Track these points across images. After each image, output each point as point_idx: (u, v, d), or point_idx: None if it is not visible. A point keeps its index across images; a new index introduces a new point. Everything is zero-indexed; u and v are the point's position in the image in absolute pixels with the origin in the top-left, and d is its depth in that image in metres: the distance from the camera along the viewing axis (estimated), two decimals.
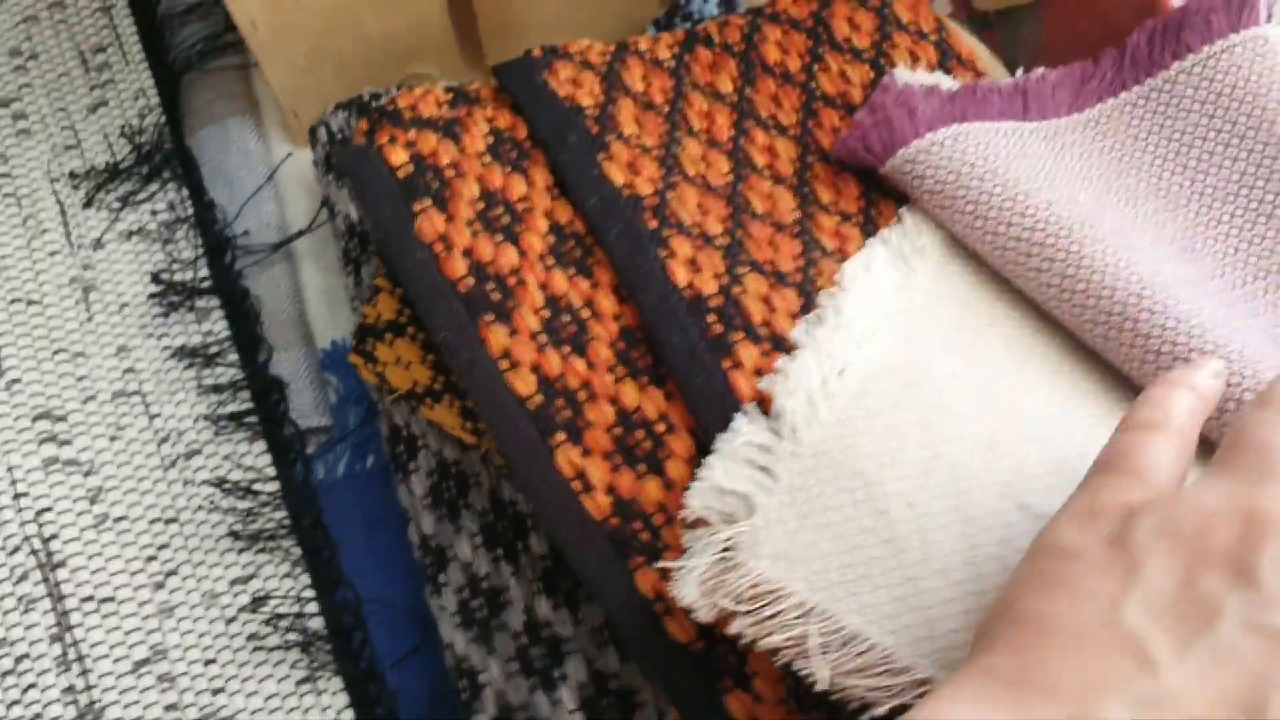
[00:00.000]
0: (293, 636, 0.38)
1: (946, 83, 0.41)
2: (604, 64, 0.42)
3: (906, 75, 0.42)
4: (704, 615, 0.31)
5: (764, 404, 0.34)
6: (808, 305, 0.36)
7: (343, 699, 0.38)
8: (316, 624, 0.40)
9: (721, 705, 0.32)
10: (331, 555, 0.39)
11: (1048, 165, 0.39)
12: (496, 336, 0.36)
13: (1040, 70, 0.41)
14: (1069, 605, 0.24)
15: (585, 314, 0.36)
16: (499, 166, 0.38)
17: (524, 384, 0.35)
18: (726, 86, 0.43)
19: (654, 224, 0.37)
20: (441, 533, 0.39)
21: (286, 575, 0.40)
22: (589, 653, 0.37)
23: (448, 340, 0.35)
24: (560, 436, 0.35)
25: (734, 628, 0.31)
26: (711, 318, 0.36)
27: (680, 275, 0.36)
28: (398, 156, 0.37)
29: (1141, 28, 0.40)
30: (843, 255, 0.39)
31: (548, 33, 0.44)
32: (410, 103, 0.39)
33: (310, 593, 0.40)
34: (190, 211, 0.44)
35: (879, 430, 0.34)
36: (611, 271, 0.37)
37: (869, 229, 0.40)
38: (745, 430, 0.33)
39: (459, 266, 0.36)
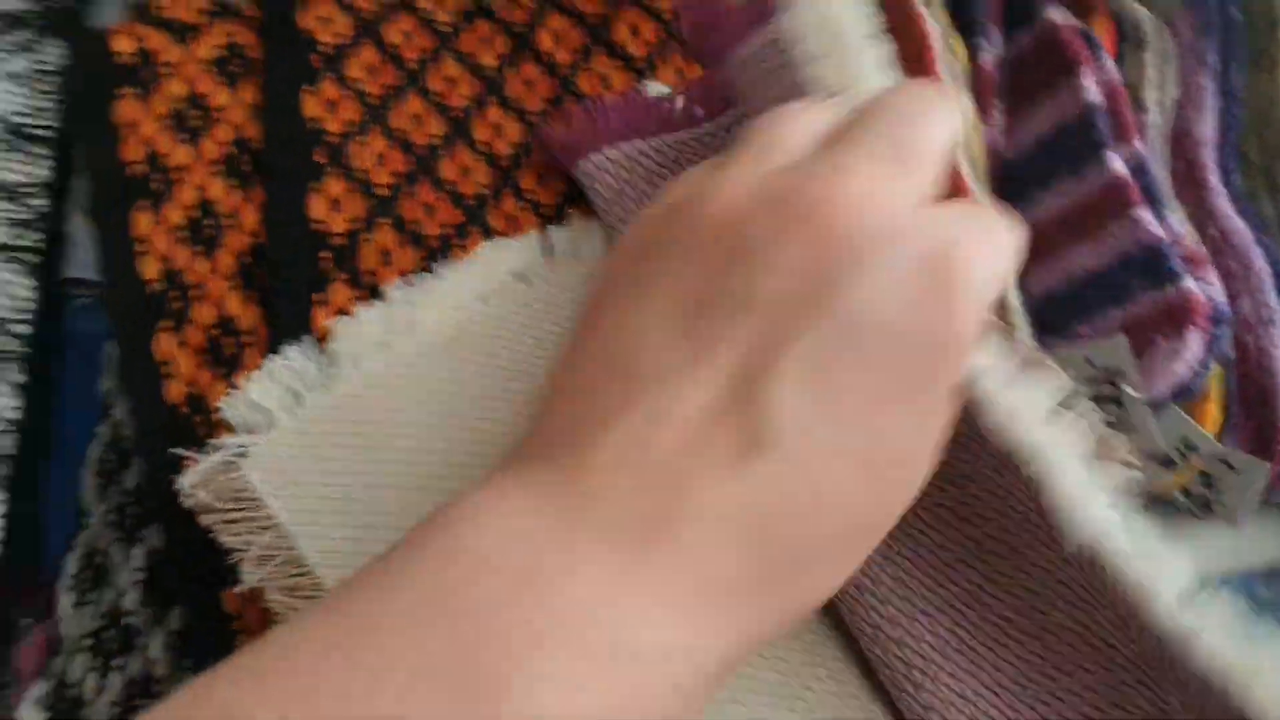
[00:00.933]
0: None
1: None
2: (372, 12, 0.44)
3: (658, 88, 0.43)
4: (188, 503, 0.33)
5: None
6: (429, 270, 0.38)
7: None
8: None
9: None
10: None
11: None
12: (142, 221, 0.39)
13: None
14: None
15: (228, 222, 0.39)
16: (214, 75, 0.41)
17: (150, 269, 0.38)
18: (488, 60, 0.45)
19: (321, 159, 0.40)
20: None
21: None
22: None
23: (97, 215, 0.39)
24: (166, 323, 0.38)
25: (204, 519, 0.33)
26: (325, 254, 0.38)
27: (317, 209, 0.39)
28: (122, 45, 0.41)
29: None
30: (504, 237, 0.40)
31: None
32: (168, 2, 0.42)
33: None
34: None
35: (415, 390, 0.35)
36: (264, 192, 0.39)
37: (553, 223, 0.41)
38: (293, 356, 0.35)
39: (136, 152, 0.39)
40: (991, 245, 0.22)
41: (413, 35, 0.44)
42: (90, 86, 0.40)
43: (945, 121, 0.23)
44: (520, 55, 0.45)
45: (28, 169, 0.49)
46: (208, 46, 0.42)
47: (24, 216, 0.48)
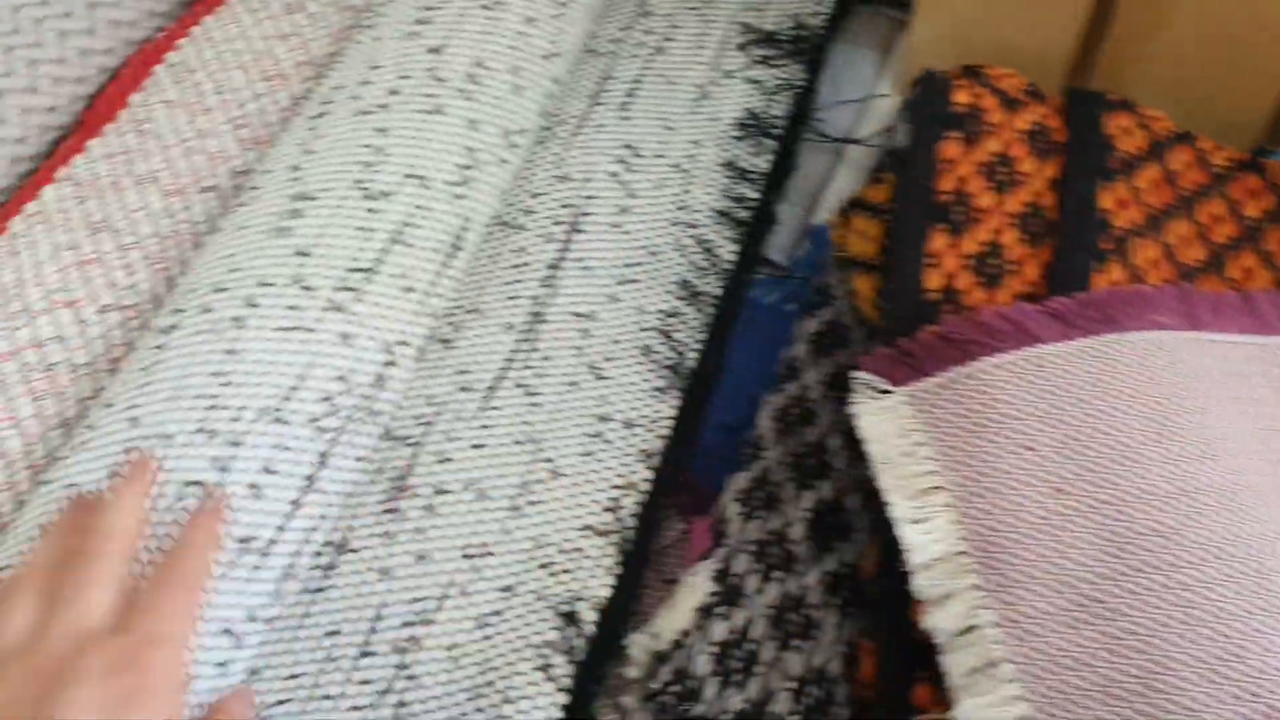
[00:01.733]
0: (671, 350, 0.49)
1: None
2: (1164, 133, 0.48)
3: None
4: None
5: None
6: None
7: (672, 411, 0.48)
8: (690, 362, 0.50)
9: None
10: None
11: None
12: (939, 241, 0.44)
13: None
14: None
15: (1011, 268, 0.44)
16: (1025, 143, 0.47)
17: (933, 280, 0.44)
18: (1252, 212, 0.47)
19: (1106, 246, 0.44)
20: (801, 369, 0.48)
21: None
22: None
23: (900, 226, 0.45)
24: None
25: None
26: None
27: (1096, 285, 0.42)
28: (960, 96, 0.47)
29: None
30: None
31: (1160, 87, 0.50)
32: (999, 74, 0.49)
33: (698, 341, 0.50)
34: (798, 83, 0.57)
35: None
36: (1052, 255, 0.44)
37: None
38: None
39: (948, 183, 0.45)
40: None
41: (1191, 167, 0.48)
42: (926, 121, 0.47)
43: None
44: None
45: (753, 158, 0.56)
46: (1024, 120, 0.47)
47: (743, 193, 0.55)
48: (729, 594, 0.41)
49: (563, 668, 0.39)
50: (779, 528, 0.42)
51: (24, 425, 0.42)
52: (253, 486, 0.40)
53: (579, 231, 0.51)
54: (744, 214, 0.50)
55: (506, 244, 0.51)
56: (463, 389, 0.47)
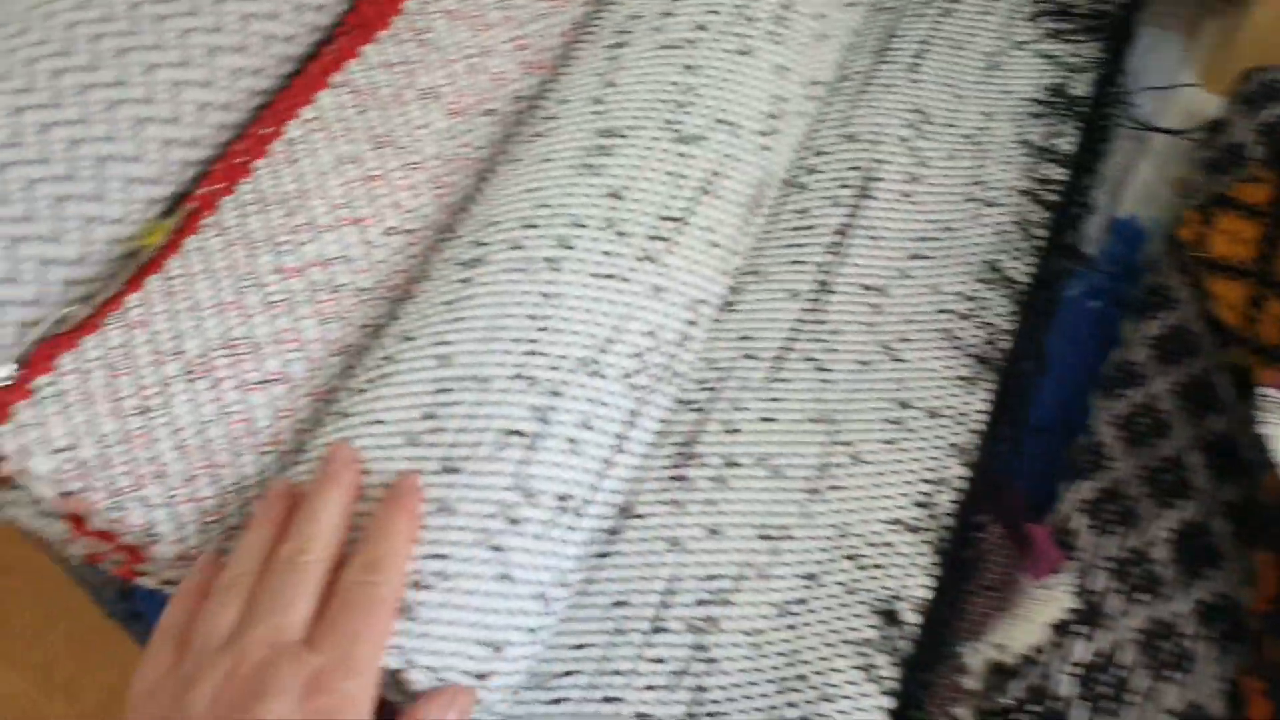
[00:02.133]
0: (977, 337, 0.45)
1: None
2: None
3: None
4: None
5: None
6: None
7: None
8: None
9: None
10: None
11: None
12: None
13: None
14: None
15: None
16: None
17: None
18: None
19: None
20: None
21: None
22: None
23: None
24: None
25: None
26: None
27: None
28: None
29: None
30: None
31: None
32: None
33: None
34: (1102, 62, 0.53)
35: None
36: None
37: None
38: None
39: None
40: None
41: None
42: None
43: None
44: None
45: (1054, 138, 0.50)
46: None
47: (1049, 174, 0.50)
48: (1089, 613, 0.38)
49: (886, 669, 0.37)
50: (1139, 546, 0.39)
51: (309, 349, 0.39)
52: (571, 441, 0.37)
53: (868, 197, 0.48)
54: (1053, 197, 0.47)
55: (787, 203, 0.47)
56: (746, 356, 0.44)
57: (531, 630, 0.35)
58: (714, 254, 0.42)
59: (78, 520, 0.36)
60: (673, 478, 0.41)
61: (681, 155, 0.42)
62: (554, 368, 0.37)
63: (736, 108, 0.44)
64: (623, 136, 0.42)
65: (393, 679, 0.33)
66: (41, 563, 0.83)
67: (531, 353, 0.37)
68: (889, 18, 0.53)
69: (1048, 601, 0.36)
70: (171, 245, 0.40)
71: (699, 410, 0.43)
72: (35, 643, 0.80)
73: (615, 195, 0.41)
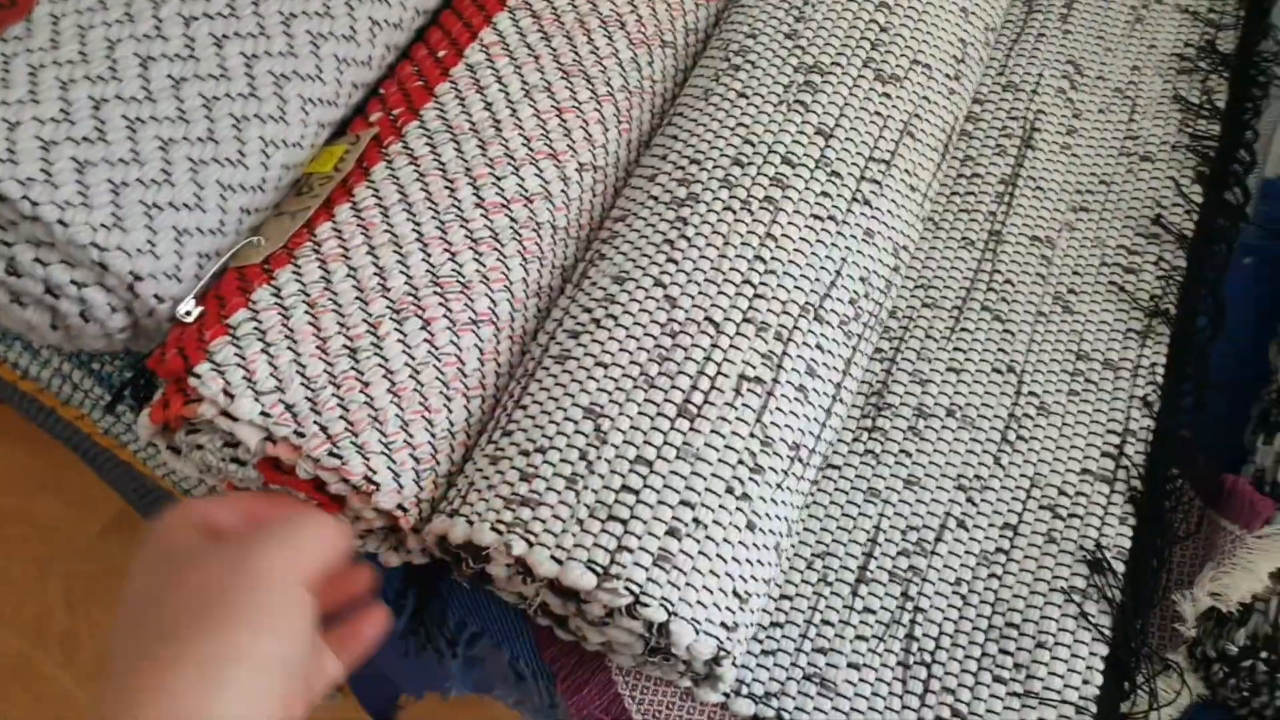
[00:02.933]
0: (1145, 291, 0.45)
1: None
2: None
3: None
4: None
5: None
6: None
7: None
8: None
9: None
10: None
11: None
12: None
13: None
14: None
15: None
16: None
17: None
18: None
19: None
20: None
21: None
22: None
23: None
24: None
25: None
26: None
27: None
28: None
29: None
30: None
31: None
32: None
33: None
34: (1243, 17, 0.52)
35: None
36: None
37: None
38: None
39: None
40: None
41: None
42: None
43: None
44: None
45: (1205, 94, 0.50)
46: None
47: (1204, 129, 0.48)
48: None
49: (1098, 617, 0.37)
50: None
51: (514, 289, 0.37)
52: (800, 389, 0.36)
53: (1030, 148, 0.47)
54: (1209, 152, 0.47)
55: (953, 151, 0.47)
56: (926, 305, 0.43)
57: (766, 581, 0.34)
58: (913, 198, 0.41)
59: (273, 467, 0.34)
60: (864, 428, 0.41)
61: (885, 95, 0.41)
62: (783, 312, 0.36)
63: (929, 49, 0.43)
64: (825, 74, 0.41)
65: (656, 631, 0.32)
66: (39, 511, 0.79)
67: (758, 296, 0.36)
68: None
69: (1269, 551, 0.37)
70: (357, 174, 0.37)
71: (886, 360, 0.42)
72: (28, 598, 0.77)
73: (824, 134, 0.39)
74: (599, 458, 0.33)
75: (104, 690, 0.27)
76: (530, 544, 0.32)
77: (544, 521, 0.32)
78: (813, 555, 0.39)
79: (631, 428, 0.34)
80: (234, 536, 0.30)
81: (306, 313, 0.34)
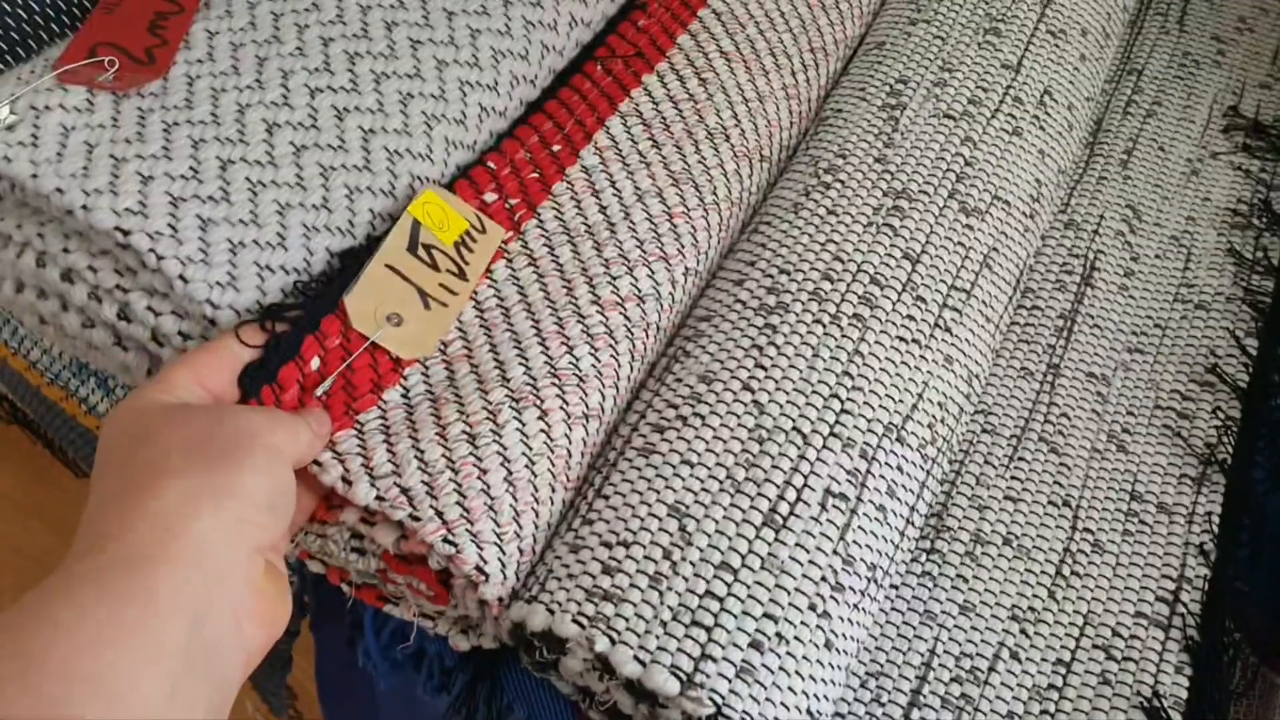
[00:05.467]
0: (1200, 438, 0.47)
1: None
2: None
3: None
4: None
5: None
6: None
7: None
8: None
9: None
10: None
11: None
12: None
13: None
14: None
15: None
16: None
17: None
18: None
19: None
20: None
21: None
22: None
23: None
24: None
25: None
26: None
27: None
28: None
29: None
30: None
31: None
32: None
33: None
34: None
35: None
36: None
37: None
38: None
39: None
40: None
41: None
42: None
43: None
44: None
45: (1258, 250, 0.52)
46: None
47: (1261, 284, 0.49)
48: None
49: None
50: None
51: (620, 385, 0.37)
52: (880, 509, 0.36)
53: (1090, 285, 0.49)
54: (1264, 307, 0.49)
55: None
56: (985, 431, 0.44)
57: (835, 702, 0.34)
58: (988, 329, 0.42)
59: (398, 558, 0.33)
60: (925, 550, 0.41)
61: (968, 226, 0.42)
62: (868, 430, 0.37)
63: (1009, 186, 0.44)
64: (912, 199, 0.42)
65: None
66: (30, 541, 0.77)
67: (845, 411, 0.37)
68: (1095, 109, 0.54)
69: None
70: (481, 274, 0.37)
71: (948, 482, 0.43)
72: None
73: (911, 258, 0.41)
74: (684, 559, 0.33)
75: (92, 513, 0.28)
76: (613, 641, 0.31)
77: (627, 620, 0.32)
78: (866, 674, 0.39)
79: (717, 531, 0.34)
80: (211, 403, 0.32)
81: (429, 406, 0.34)
